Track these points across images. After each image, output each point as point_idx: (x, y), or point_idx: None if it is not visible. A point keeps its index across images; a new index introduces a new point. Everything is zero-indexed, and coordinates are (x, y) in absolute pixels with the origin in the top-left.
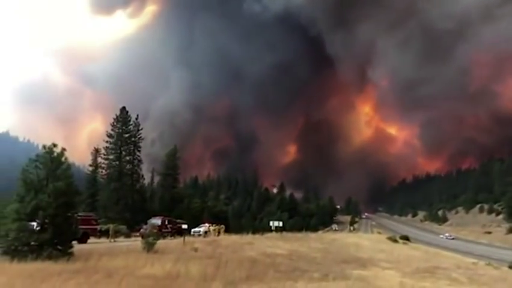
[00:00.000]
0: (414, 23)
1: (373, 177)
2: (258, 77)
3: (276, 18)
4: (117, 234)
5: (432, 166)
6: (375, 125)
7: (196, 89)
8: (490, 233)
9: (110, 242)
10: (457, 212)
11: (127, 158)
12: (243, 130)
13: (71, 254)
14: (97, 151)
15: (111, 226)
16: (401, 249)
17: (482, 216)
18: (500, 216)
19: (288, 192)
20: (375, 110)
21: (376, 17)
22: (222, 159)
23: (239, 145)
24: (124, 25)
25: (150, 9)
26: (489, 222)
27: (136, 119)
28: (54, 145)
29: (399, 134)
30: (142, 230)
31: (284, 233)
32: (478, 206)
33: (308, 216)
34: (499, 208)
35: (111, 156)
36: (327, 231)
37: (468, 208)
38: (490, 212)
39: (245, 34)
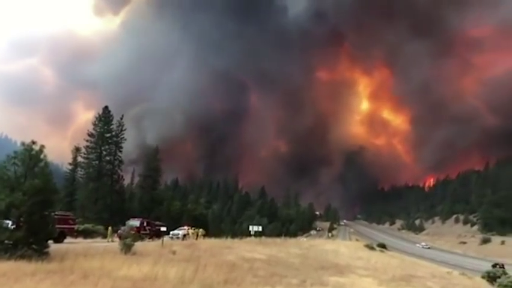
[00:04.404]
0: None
1: (358, 183)
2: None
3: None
4: (94, 234)
5: (415, 174)
6: (367, 127)
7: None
8: (464, 243)
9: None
10: (433, 222)
11: (108, 158)
12: (235, 121)
13: (46, 254)
14: (77, 150)
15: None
16: (378, 257)
17: (458, 226)
18: (475, 227)
19: (269, 195)
20: (371, 113)
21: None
22: (208, 147)
23: (226, 138)
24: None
25: None
26: (464, 232)
27: (121, 118)
28: (34, 142)
29: (391, 138)
30: (119, 231)
31: (263, 238)
32: (454, 216)
33: (288, 221)
34: (474, 219)
35: (91, 156)
36: (307, 236)
37: (444, 218)
38: (466, 222)
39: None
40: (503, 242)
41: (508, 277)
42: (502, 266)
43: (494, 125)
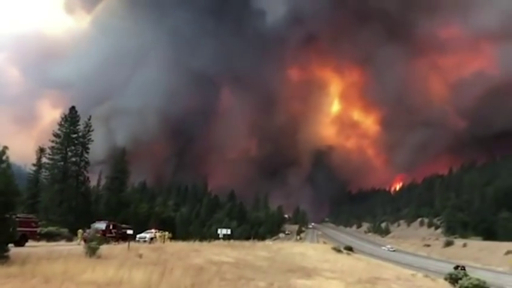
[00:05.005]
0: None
1: (327, 185)
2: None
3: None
4: (57, 237)
5: (384, 177)
6: (338, 129)
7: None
8: (428, 245)
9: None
10: (399, 225)
11: (74, 159)
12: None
13: (6, 258)
14: (41, 150)
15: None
16: (345, 260)
17: (423, 229)
18: (439, 230)
19: (238, 197)
20: (341, 117)
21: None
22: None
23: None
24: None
25: None
26: (428, 235)
27: (89, 119)
28: None
29: (361, 141)
30: (85, 234)
31: (232, 241)
32: (419, 219)
33: (257, 224)
34: (438, 222)
35: (56, 157)
36: (274, 240)
37: (410, 221)
38: (430, 225)
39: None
40: (465, 245)
41: (469, 279)
42: (463, 268)
43: (463, 128)
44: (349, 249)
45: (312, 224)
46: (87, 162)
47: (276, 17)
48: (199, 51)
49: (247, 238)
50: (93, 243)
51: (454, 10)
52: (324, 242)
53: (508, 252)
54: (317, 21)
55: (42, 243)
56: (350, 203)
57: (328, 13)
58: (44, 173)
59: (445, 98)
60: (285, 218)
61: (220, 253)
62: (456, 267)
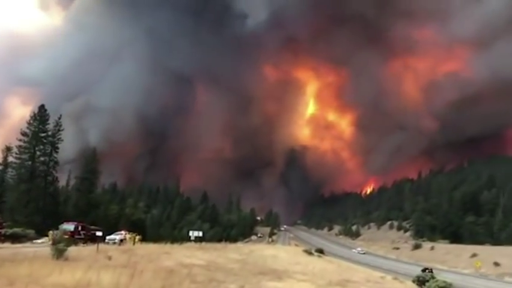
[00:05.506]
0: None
1: (300, 188)
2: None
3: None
4: (22, 239)
5: (358, 180)
6: (312, 132)
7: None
8: (398, 248)
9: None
10: (369, 228)
11: (42, 158)
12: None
13: None
14: (8, 149)
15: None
16: (316, 262)
17: (392, 232)
18: (408, 233)
19: (211, 198)
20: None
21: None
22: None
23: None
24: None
25: None
26: (398, 238)
27: (59, 118)
28: None
29: (335, 144)
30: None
31: (203, 244)
32: (389, 222)
33: (229, 227)
34: (407, 225)
35: (24, 156)
36: (246, 242)
37: (380, 224)
38: (399, 228)
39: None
40: (432, 248)
41: (436, 281)
42: (431, 271)
43: (437, 132)
44: (320, 251)
45: (285, 226)
46: (56, 162)
47: (257, 19)
48: (176, 50)
49: (219, 240)
50: (60, 245)
51: (430, 16)
52: (296, 245)
53: (473, 255)
54: (296, 24)
55: (7, 244)
56: (323, 206)
57: (306, 16)
58: (11, 173)
59: (419, 101)
60: (258, 220)
61: (191, 255)
62: (424, 270)
